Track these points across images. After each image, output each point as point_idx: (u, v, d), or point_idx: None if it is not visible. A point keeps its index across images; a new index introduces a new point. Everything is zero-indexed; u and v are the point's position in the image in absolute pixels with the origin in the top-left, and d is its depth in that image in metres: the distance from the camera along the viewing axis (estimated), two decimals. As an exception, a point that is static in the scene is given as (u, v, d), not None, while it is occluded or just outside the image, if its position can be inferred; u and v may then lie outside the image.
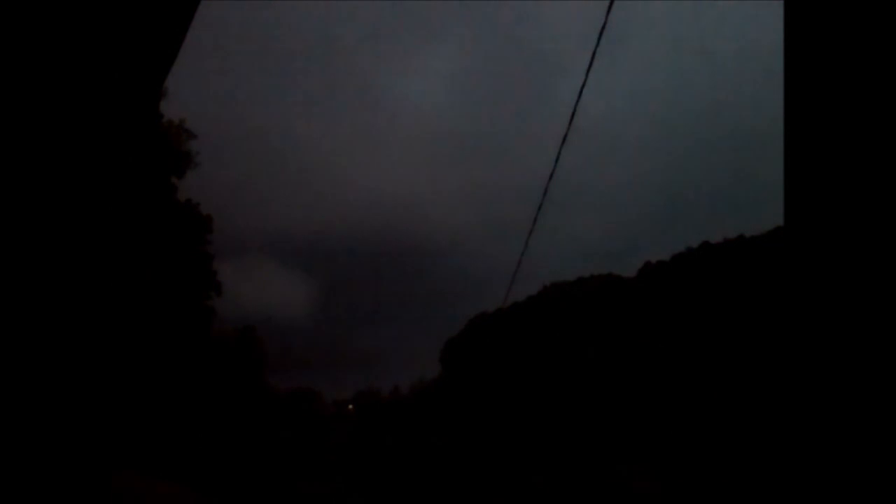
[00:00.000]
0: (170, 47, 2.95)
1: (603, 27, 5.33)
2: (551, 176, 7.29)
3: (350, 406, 72.18)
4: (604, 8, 5.14)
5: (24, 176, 2.43)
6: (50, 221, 2.52)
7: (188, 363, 27.96)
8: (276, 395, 53.60)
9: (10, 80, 2.39)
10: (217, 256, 33.13)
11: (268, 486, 29.67)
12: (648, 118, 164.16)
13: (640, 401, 30.19)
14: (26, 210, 2.44)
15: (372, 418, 61.10)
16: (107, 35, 2.62)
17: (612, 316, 35.87)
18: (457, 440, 40.13)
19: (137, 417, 21.12)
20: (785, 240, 2.55)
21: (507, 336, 42.68)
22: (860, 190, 2.24)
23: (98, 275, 2.83)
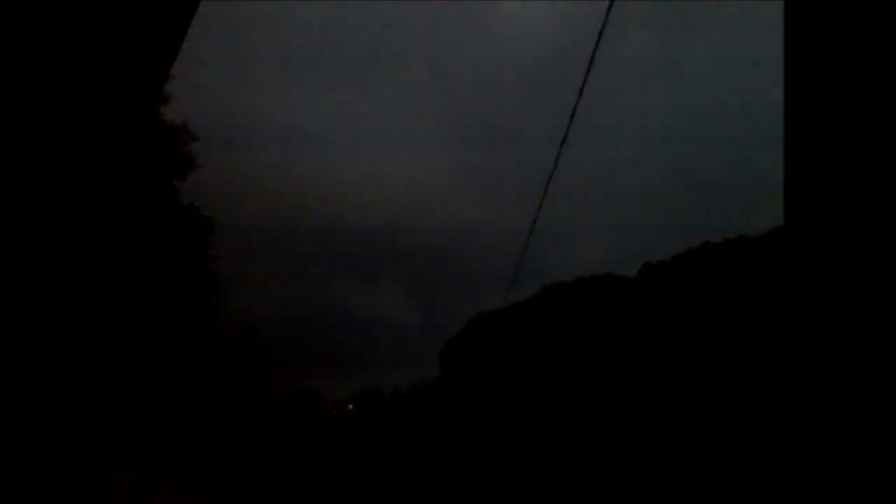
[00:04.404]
0: (170, 47, 2.96)
1: (603, 27, 5.34)
2: (551, 176, 7.30)
3: (350, 406, 72.11)
4: (603, 8, 5.15)
5: (24, 178, 2.43)
6: (50, 224, 2.52)
7: (189, 364, 27.99)
8: (277, 395, 53.55)
9: (9, 81, 2.39)
10: (219, 257, 33.14)
11: (268, 487, 29.70)
12: (649, 117, 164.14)
13: (640, 401, 30.19)
14: (27, 212, 2.44)
15: (372, 418, 61.18)
16: (107, 35, 2.62)
17: (612, 316, 35.85)
18: (456, 440, 40.15)
19: (138, 419, 21.15)
20: (785, 240, 2.55)
21: (507, 336, 42.64)
22: (860, 190, 2.24)
23: (98, 277, 2.83)
